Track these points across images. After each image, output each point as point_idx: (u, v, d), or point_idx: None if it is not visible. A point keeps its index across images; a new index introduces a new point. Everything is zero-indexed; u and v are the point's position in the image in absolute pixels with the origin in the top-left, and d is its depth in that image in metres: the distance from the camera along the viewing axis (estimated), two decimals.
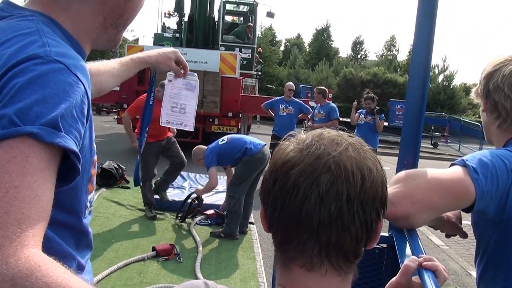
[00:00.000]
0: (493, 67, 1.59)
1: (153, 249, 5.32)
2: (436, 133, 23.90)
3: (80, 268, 1.28)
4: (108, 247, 5.43)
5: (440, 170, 1.44)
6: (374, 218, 0.85)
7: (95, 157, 1.26)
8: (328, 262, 0.84)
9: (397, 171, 1.94)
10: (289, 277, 0.88)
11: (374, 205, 0.84)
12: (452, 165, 1.46)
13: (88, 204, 1.27)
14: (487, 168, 1.40)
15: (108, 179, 8.31)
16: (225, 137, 6.43)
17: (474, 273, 5.95)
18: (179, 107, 2.01)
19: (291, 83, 10.29)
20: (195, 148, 6.61)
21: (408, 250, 1.61)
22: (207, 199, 7.15)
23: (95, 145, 1.24)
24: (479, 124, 21.71)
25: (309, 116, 9.89)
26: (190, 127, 2.05)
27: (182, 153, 7.04)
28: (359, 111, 9.61)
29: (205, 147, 6.46)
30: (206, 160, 6.11)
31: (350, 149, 0.84)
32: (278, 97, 10.16)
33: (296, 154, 0.85)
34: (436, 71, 32.96)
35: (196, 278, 4.78)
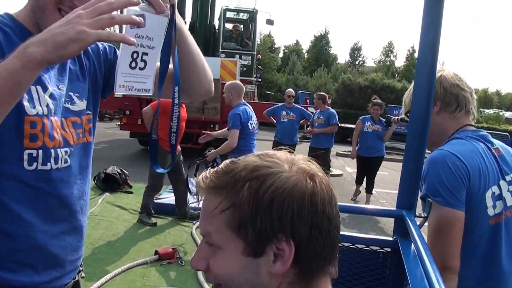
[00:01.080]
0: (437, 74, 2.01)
1: (156, 252, 5.30)
2: None
3: (16, 220, 1.38)
4: (112, 251, 5.41)
5: (431, 229, 1.81)
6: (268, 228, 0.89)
7: (30, 117, 1.37)
8: (333, 262, 0.91)
9: (402, 176, 1.93)
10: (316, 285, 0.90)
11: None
12: (422, 199, 1.86)
13: (26, 157, 1.38)
14: (447, 188, 1.78)
15: (111, 184, 8.31)
16: (255, 123, 6.05)
17: None
18: (139, 58, 1.22)
19: (290, 89, 10.28)
20: (233, 82, 6.40)
21: (414, 254, 1.61)
22: None
23: (26, 104, 1.35)
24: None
25: (308, 122, 9.89)
26: (150, 90, 1.28)
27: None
28: (362, 117, 9.38)
29: (240, 94, 6.14)
30: (231, 120, 5.78)
31: None
32: (279, 104, 10.16)
33: (308, 183, 0.86)
34: None
35: (198, 281, 4.77)
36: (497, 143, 1.97)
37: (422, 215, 1.85)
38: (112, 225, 6.34)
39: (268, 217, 0.82)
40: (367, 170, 9.35)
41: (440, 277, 1.21)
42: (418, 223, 1.78)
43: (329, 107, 10.02)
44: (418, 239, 1.51)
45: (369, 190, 9.40)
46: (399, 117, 8.70)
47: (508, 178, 1.87)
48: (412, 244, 1.63)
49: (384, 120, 9.05)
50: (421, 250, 1.42)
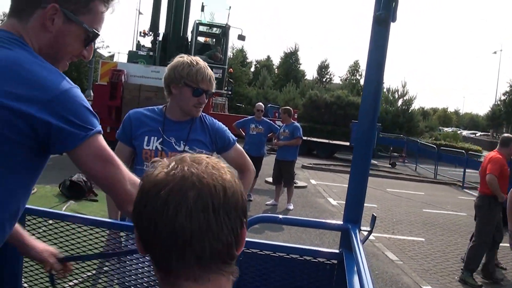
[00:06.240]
0: None
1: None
2: (395, 154, 24.22)
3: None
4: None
5: None
6: (238, 225, 0.92)
7: None
8: (209, 269, 0.89)
9: (349, 191, 1.93)
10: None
11: (237, 213, 0.91)
12: None
13: None
14: None
15: (76, 191, 8.11)
16: None
17: None
18: None
19: (260, 103, 10.29)
20: None
21: (356, 267, 1.60)
22: None
23: None
24: (435, 146, 22.13)
25: (275, 135, 9.92)
26: None
27: None
28: None
29: None
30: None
31: (210, 166, 0.92)
32: (249, 117, 10.16)
33: (163, 177, 0.90)
34: (396, 96, 33.53)
35: None
36: None
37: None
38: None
39: None
40: None
41: None
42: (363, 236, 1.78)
43: (294, 121, 10.07)
44: (359, 253, 1.51)
45: None
46: None
47: None
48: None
49: None
50: (360, 264, 1.42)
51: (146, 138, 2.56)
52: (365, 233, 1.92)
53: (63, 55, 1.46)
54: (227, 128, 2.76)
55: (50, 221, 2.07)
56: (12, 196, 1.36)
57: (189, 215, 0.86)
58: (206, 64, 2.61)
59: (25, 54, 1.32)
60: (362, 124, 1.83)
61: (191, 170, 0.90)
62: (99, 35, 1.48)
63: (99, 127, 1.38)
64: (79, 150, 1.34)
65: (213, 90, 2.62)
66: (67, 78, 1.36)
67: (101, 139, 1.39)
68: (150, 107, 2.72)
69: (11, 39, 1.35)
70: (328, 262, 1.90)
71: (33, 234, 2.00)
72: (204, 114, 2.71)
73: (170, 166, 0.92)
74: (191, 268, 0.88)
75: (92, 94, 17.37)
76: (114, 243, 2.32)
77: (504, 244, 6.60)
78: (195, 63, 2.52)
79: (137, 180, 1.45)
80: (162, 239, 0.88)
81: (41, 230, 2.10)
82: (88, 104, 1.36)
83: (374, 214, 1.80)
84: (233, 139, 2.69)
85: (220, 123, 2.76)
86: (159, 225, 0.87)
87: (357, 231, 1.77)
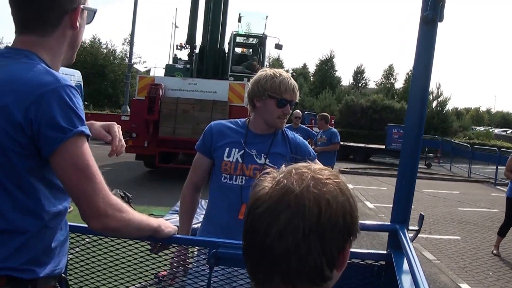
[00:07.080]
0: None
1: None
2: (430, 154, 23.83)
3: None
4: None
5: None
6: (335, 246, 0.87)
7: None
8: (294, 286, 0.87)
9: (396, 192, 1.90)
10: None
11: (333, 235, 0.86)
12: None
13: None
14: None
15: None
16: None
17: (463, 286, 5.92)
18: None
19: (298, 111, 10.23)
20: None
21: (406, 266, 1.57)
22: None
23: None
24: (469, 145, 21.72)
25: (313, 141, 9.86)
26: None
27: None
28: None
29: None
30: None
31: (311, 184, 0.87)
32: (286, 125, 10.07)
33: (264, 193, 0.89)
34: (431, 97, 32.98)
35: None
36: None
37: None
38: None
39: None
40: None
41: None
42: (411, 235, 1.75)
43: (331, 127, 10.00)
44: (410, 252, 1.48)
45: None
46: None
47: None
48: (405, 257, 1.60)
49: None
50: (413, 263, 1.39)
51: (227, 149, 2.50)
52: (412, 233, 1.89)
53: (79, 42, 1.56)
54: (307, 142, 2.73)
55: (87, 239, 2.01)
56: (43, 199, 1.37)
57: (278, 237, 0.85)
58: (289, 75, 2.59)
59: (17, 65, 1.33)
60: (409, 126, 1.80)
61: (291, 189, 0.86)
62: (97, 10, 1.59)
63: (80, 128, 1.30)
64: (55, 155, 1.28)
65: (297, 100, 2.59)
66: (59, 75, 1.33)
67: (80, 142, 1.31)
68: (232, 120, 2.70)
69: (15, 54, 1.37)
70: (376, 263, 1.87)
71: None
72: (286, 128, 2.68)
73: (275, 182, 0.90)
74: (276, 285, 0.88)
75: (128, 109, 17.33)
76: (182, 258, 2.29)
77: None
78: (278, 75, 2.51)
79: (112, 198, 1.38)
80: (252, 254, 0.89)
81: (80, 249, 2.06)
82: (75, 103, 1.31)
83: (422, 213, 1.77)
84: (313, 154, 2.65)
85: (301, 138, 2.75)
86: (251, 241, 0.89)
87: (405, 231, 1.74)
